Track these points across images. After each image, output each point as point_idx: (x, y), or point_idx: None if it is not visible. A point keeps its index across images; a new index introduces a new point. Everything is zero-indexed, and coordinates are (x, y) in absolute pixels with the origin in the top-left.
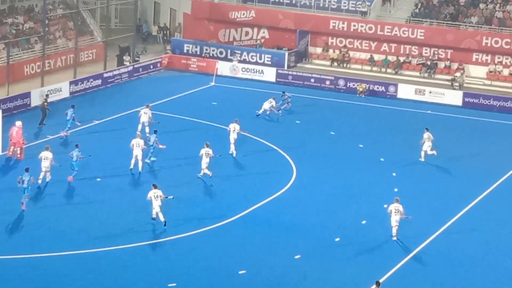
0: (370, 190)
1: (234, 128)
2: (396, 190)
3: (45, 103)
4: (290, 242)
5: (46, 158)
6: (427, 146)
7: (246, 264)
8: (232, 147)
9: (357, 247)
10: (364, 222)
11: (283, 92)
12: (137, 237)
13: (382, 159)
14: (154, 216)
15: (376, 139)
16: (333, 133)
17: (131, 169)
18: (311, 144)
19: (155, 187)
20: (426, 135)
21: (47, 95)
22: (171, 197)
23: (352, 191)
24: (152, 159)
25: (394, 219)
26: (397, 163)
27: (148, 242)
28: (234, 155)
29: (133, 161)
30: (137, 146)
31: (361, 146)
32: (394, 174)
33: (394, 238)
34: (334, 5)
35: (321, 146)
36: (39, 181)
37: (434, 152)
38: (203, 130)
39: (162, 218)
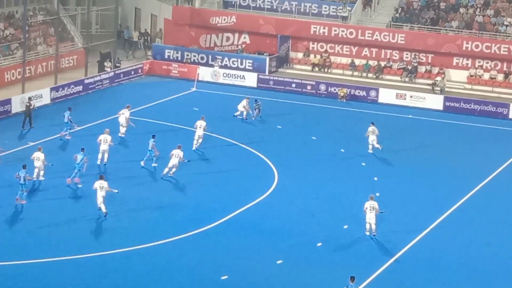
0: (352, 194)
1: (200, 125)
2: (378, 194)
3: (29, 105)
4: (273, 246)
5: (38, 158)
6: (371, 140)
7: (229, 270)
8: (195, 142)
9: (340, 251)
10: (346, 226)
11: (256, 101)
12: (118, 244)
13: (363, 164)
14: (98, 206)
15: (358, 144)
16: (314, 138)
17: (98, 164)
18: (292, 149)
19: (102, 178)
20: (371, 128)
21: (29, 98)
22: (116, 191)
23: (334, 195)
24: (154, 164)
25: (369, 217)
26: (379, 167)
27: (129, 249)
28: (194, 148)
29: (99, 156)
30: (104, 142)
31: (343, 150)
32: (375, 178)
33: (374, 234)
34: (315, 10)
35: (302, 151)
36: (34, 177)
37: (379, 146)
38: (184, 136)
39: (103, 209)
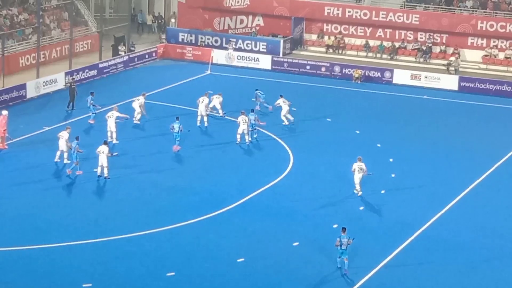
0: (367, 176)
1: (203, 100)
2: (393, 175)
3: (73, 85)
4: (289, 229)
5: (62, 137)
6: (285, 111)
7: (245, 252)
8: (198, 118)
9: (355, 233)
10: (362, 208)
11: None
12: (134, 227)
13: (379, 145)
14: (98, 173)
15: (373, 125)
16: (329, 120)
17: (109, 141)
18: (307, 131)
19: (105, 143)
20: (281, 100)
21: (73, 78)
22: (116, 153)
23: (349, 177)
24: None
25: (357, 177)
26: (394, 148)
27: (146, 232)
28: (201, 124)
29: (109, 134)
30: (111, 116)
31: (358, 132)
32: (391, 160)
33: (359, 194)
34: None
35: (317, 133)
36: (56, 159)
37: (290, 117)
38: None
39: (105, 174)
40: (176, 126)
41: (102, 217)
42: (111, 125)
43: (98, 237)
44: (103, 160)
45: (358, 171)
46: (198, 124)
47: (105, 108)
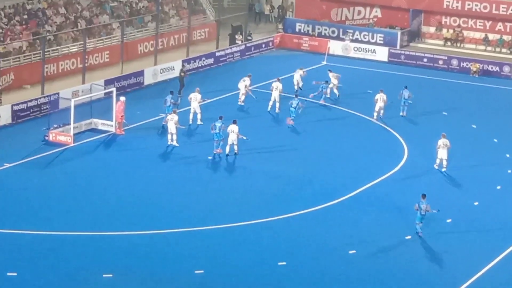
0: (482, 172)
1: (276, 87)
2: (509, 171)
3: (183, 73)
4: (401, 222)
5: (171, 119)
6: (378, 107)
7: (356, 244)
8: (270, 103)
9: (469, 227)
10: (476, 203)
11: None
12: (246, 216)
13: (495, 140)
14: (227, 152)
15: (490, 120)
16: (445, 114)
17: (190, 124)
18: (423, 124)
19: (234, 122)
20: (330, 75)
21: (183, 65)
22: (245, 137)
23: (464, 172)
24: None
25: (441, 153)
26: (511, 144)
27: (260, 221)
28: (277, 111)
29: (191, 116)
30: (194, 99)
31: (474, 126)
32: (507, 156)
33: (444, 169)
34: None
35: (433, 126)
36: (169, 142)
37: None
38: (313, 109)
39: (235, 150)
40: (294, 103)
41: (214, 205)
42: (195, 107)
43: (210, 224)
44: (233, 138)
45: (443, 147)
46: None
47: (215, 98)
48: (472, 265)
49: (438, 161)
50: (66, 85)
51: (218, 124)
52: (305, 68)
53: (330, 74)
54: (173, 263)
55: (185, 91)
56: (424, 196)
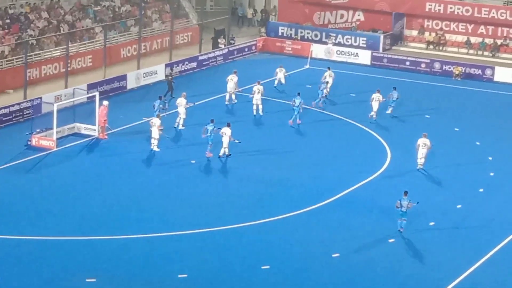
0: (465, 174)
1: (258, 90)
2: (492, 174)
3: (170, 77)
4: (385, 225)
5: (154, 124)
6: (376, 107)
7: (340, 247)
8: (255, 107)
9: (453, 231)
10: (459, 206)
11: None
12: (230, 220)
13: (478, 143)
14: (221, 154)
15: (472, 123)
16: (428, 117)
17: (175, 127)
18: (406, 127)
19: (228, 125)
20: (376, 95)
21: (171, 69)
22: (238, 141)
23: (447, 175)
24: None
25: (421, 152)
26: (493, 147)
27: (244, 224)
28: (257, 113)
29: (177, 120)
30: (180, 104)
31: (457, 129)
32: (490, 158)
33: (420, 167)
34: None
35: (416, 129)
36: (153, 147)
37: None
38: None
39: (227, 152)
40: (297, 101)
41: (198, 209)
42: (180, 112)
43: (194, 228)
44: (225, 141)
45: (422, 146)
46: (254, 113)
47: (198, 102)
48: (456, 267)
49: (419, 160)
50: (49, 90)
51: (209, 127)
52: (288, 72)
53: (327, 73)
54: (156, 267)
55: (176, 94)
56: (406, 193)
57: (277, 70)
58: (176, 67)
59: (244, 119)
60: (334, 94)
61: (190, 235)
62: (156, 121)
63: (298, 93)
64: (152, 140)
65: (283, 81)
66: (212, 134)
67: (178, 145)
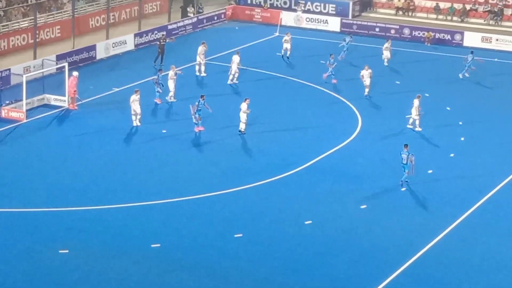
0: (435, 140)
1: (234, 60)
2: (462, 139)
3: (163, 42)
4: (356, 191)
5: (135, 100)
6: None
7: (313, 214)
8: (230, 77)
9: (424, 195)
10: (430, 171)
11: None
12: (203, 189)
13: (448, 108)
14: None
15: (442, 88)
16: (398, 83)
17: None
18: (376, 94)
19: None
20: (367, 72)
21: (163, 34)
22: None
23: (417, 141)
24: None
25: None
26: (464, 111)
27: (215, 193)
28: (229, 82)
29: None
30: (170, 78)
31: (427, 95)
32: (460, 123)
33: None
34: None
35: (386, 96)
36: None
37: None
38: (268, 81)
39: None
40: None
41: (170, 179)
42: (170, 86)
43: (166, 198)
44: (242, 117)
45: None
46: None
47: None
48: (428, 231)
49: (411, 120)
50: (17, 61)
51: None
52: (257, 40)
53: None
54: (129, 238)
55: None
56: (406, 146)
57: (286, 38)
58: (144, 36)
59: (216, 89)
60: (304, 62)
61: (162, 205)
62: (136, 96)
63: (331, 55)
64: (133, 117)
65: (288, 52)
66: (201, 109)
67: (155, 118)
